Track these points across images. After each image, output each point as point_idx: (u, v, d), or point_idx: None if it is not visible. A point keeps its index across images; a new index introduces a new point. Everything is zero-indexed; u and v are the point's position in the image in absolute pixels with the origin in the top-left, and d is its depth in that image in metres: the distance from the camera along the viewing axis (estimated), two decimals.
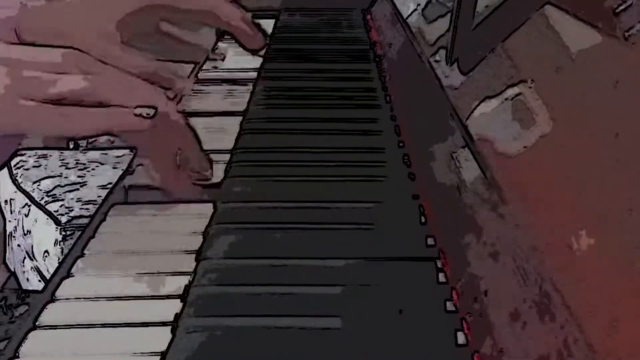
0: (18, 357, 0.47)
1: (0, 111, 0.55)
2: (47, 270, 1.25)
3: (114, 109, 0.57)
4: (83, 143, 1.55)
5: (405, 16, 0.97)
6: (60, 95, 0.55)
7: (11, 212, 1.39)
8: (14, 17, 0.59)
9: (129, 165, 0.73)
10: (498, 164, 0.52)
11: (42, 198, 1.30)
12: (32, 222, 1.29)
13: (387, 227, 0.60)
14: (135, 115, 0.57)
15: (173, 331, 0.48)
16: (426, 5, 0.88)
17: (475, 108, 0.59)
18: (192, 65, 1.04)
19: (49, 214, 1.26)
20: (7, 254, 1.41)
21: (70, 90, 0.56)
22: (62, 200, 1.29)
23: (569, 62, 0.49)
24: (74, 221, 1.26)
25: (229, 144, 0.76)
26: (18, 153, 1.29)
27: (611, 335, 0.34)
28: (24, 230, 1.32)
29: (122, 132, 0.59)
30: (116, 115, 0.58)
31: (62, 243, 1.24)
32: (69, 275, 0.55)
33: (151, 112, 0.58)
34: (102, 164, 1.43)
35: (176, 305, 0.51)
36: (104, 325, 0.49)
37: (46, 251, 1.24)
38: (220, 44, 0.69)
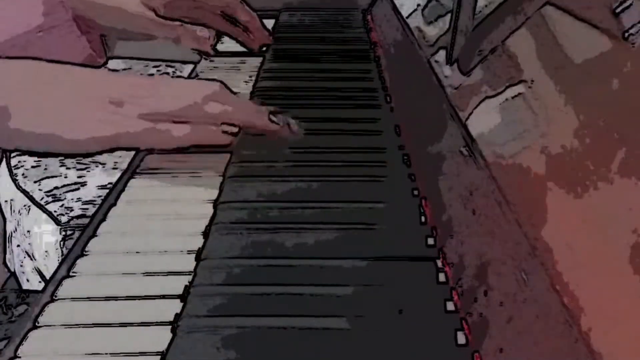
0: (18, 357, 0.47)
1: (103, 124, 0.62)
2: (47, 271, 1.25)
3: (202, 126, 0.65)
4: None
5: (405, 16, 0.97)
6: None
7: (11, 212, 1.39)
8: None
9: (129, 165, 0.73)
10: (498, 164, 0.52)
11: (42, 198, 1.30)
12: (32, 222, 1.29)
13: (387, 227, 0.60)
14: (223, 132, 0.66)
15: (173, 331, 0.48)
16: (426, 5, 0.88)
17: (475, 108, 0.59)
18: (192, 65, 1.04)
19: (49, 214, 1.26)
20: (7, 254, 1.41)
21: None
22: (62, 200, 1.29)
23: (569, 62, 0.49)
24: (74, 221, 1.26)
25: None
26: (18, 153, 1.29)
27: (611, 335, 0.34)
28: (24, 231, 1.32)
29: (207, 144, 0.67)
30: (204, 131, 0.66)
31: (62, 243, 1.24)
32: (69, 275, 0.55)
33: (235, 129, 0.67)
34: (102, 164, 1.43)
35: (176, 305, 0.51)
36: (104, 325, 0.49)
37: (46, 251, 1.24)
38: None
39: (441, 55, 0.72)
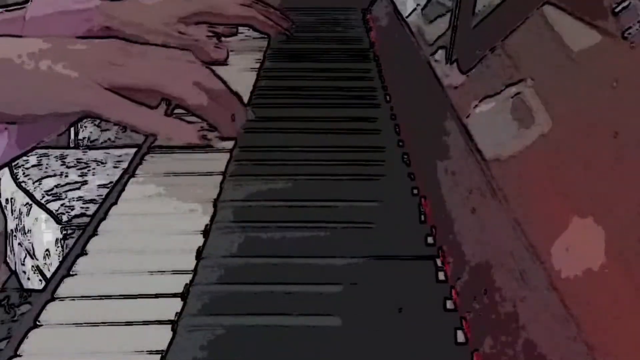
0: (19, 355, 0.47)
1: (71, 91, 0.63)
2: (48, 269, 1.25)
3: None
4: (83, 142, 1.55)
5: (405, 16, 0.97)
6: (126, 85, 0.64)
7: (12, 211, 1.39)
8: (90, 10, 0.74)
9: (130, 164, 0.73)
10: (497, 163, 0.52)
11: (43, 197, 1.30)
12: (33, 221, 1.29)
13: (386, 226, 0.60)
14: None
15: (173, 330, 0.49)
16: (426, 5, 0.89)
17: (475, 107, 0.59)
18: None
19: (49, 212, 1.26)
20: (7, 252, 1.41)
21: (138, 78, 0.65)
22: (63, 199, 1.30)
23: (568, 61, 0.49)
24: (75, 220, 1.26)
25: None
26: None
27: (611, 335, 0.34)
28: (24, 229, 1.32)
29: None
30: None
31: (62, 242, 1.24)
32: (69, 274, 0.55)
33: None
34: (102, 163, 1.43)
35: (176, 304, 0.51)
36: (104, 324, 0.49)
37: (47, 250, 1.24)
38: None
39: (441, 55, 0.72)
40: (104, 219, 0.63)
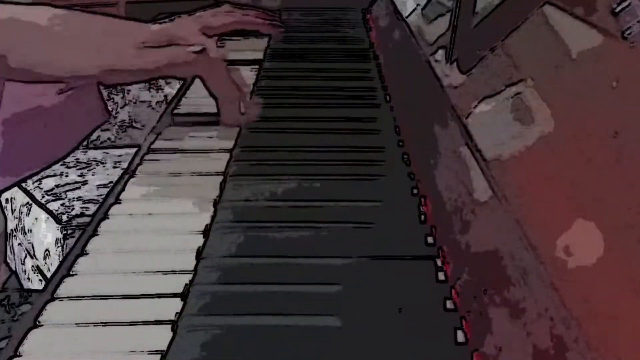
0: (19, 355, 0.47)
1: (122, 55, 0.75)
2: (48, 269, 1.24)
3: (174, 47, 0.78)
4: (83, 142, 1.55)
5: (405, 16, 0.97)
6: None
7: (12, 211, 1.39)
8: None
9: (130, 164, 0.74)
10: (497, 162, 0.52)
11: (43, 197, 1.30)
12: (33, 221, 1.29)
13: (386, 226, 0.60)
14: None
15: (173, 330, 0.49)
16: (426, 5, 0.89)
17: (475, 107, 0.59)
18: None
19: (49, 212, 1.26)
20: (8, 253, 1.41)
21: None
22: (63, 199, 1.29)
23: (568, 61, 0.49)
24: (75, 220, 1.26)
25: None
26: None
27: (611, 335, 0.34)
28: (24, 229, 1.32)
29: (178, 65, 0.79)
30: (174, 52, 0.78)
31: (62, 242, 1.24)
32: (69, 274, 0.55)
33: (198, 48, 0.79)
34: (102, 163, 1.43)
35: (177, 304, 0.51)
36: (104, 324, 0.49)
37: (47, 250, 1.24)
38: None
39: (441, 55, 0.72)
40: (104, 219, 0.63)
